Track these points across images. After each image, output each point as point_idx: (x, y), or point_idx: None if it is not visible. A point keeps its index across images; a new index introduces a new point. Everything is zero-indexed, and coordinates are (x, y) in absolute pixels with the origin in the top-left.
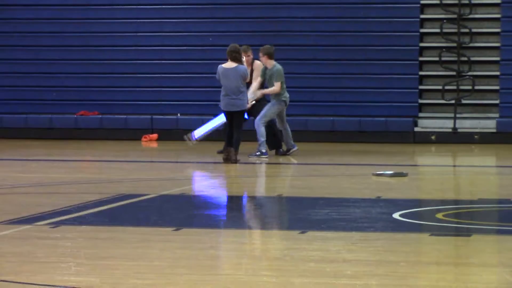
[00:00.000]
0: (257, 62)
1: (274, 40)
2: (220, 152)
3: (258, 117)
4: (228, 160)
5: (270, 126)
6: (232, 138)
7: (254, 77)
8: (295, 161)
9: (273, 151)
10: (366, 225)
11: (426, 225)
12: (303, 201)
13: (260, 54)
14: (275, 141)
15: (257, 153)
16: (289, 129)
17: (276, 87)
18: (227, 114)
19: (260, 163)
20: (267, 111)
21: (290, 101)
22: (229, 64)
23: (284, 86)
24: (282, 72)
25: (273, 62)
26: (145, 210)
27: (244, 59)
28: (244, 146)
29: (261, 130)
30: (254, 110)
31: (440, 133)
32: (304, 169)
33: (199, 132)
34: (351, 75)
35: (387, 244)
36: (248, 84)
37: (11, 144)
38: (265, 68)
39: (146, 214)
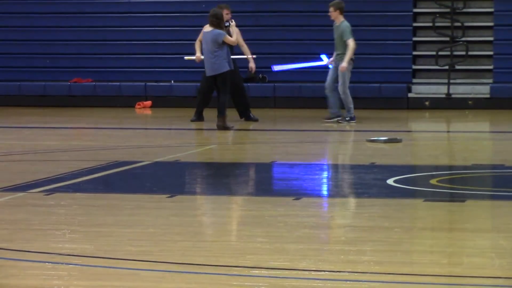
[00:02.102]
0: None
1: (267, 7)
2: (193, 121)
3: (340, 87)
4: (219, 127)
5: (239, 90)
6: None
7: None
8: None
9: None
10: (360, 191)
11: (420, 191)
12: (297, 168)
13: (332, 9)
14: (242, 104)
15: (346, 119)
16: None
17: (351, 43)
18: (211, 79)
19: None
20: (344, 76)
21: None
22: (207, 28)
23: None
24: (350, 27)
25: (341, 18)
26: (139, 177)
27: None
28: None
29: (349, 99)
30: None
31: (433, 99)
32: (298, 135)
33: (280, 67)
34: None
35: (381, 210)
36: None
37: (5, 112)
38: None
39: (140, 181)
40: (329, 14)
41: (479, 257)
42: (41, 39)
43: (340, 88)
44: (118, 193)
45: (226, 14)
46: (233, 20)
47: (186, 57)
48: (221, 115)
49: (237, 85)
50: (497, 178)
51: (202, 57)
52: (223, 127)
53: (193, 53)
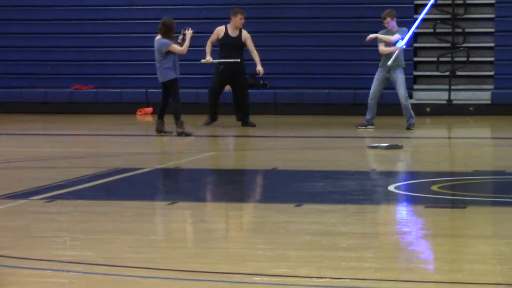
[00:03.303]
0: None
1: (268, 13)
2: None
3: (403, 93)
4: (158, 131)
5: (242, 94)
6: (163, 110)
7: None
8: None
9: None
10: (361, 197)
11: (421, 197)
12: (298, 174)
13: (389, 19)
14: (242, 109)
15: (411, 125)
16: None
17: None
18: (162, 86)
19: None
20: (403, 83)
21: (285, 74)
22: (157, 37)
23: None
24: None
25: (396, 26)
26: (140, 184)
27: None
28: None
29: (410, 105)
30: (237, 82)
31: (435, 105)
32: (299, 141)
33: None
34: (346, 47)
35: (382, 217)
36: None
37: (6, 119)
38: (388, 31)
39: (141, 188)
40: (385, 23)
41: (480, 263)
42: (42, 45)
43: (403, 95)
44: (119, 200)
45: (240, 19)
46: (190, 28)
47: (202, 60)
48: (176, 120)
49: (241, 90)
50: (498, 185)
51: (211, 60)
52: (178, 132)
53: (195, 60)
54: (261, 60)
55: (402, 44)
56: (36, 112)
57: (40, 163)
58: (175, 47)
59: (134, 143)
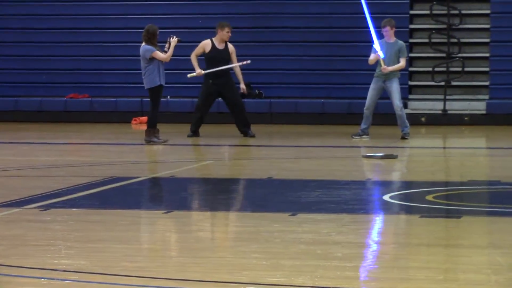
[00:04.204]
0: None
1: (265, 22)
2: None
3: (398, 104)
4: (145, 141)
5: (238, 106)
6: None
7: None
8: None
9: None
10: (356, 207)
11: (416, 207)
12: (293, 184)
13: (388, 28)
14: (241, 120)
15: (405, 135)
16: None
17: (402, 63)
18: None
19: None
20: (399, 93)
21: (280, 83)
22: (141, 45)
23: None
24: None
25: (393, 36)
26: (135, 193)
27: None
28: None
29: (405, 115)
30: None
31: (430, 115)
32: (294, 151)
33: None
34: (341, 57)
35: (377, 226)
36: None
37: (1, 127)
38: (385, 42)
39: (136, 197)
40: (383, 32)
41: (475, 273)
42: (38, 54)
43: (398, 104)
44: (114, 208)
45: (227, 32)
46: (175, 36)
47: (189, 75)
48: (147, 128)
49: (236, 102)
50: (493, 194)
51: (203, 71)
52: (147, 141)
53: (191, 69)
54: (257, 69)
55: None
56: (31, 121)
57: (35, 171)
58: (159, 54)
59: (129, 152)
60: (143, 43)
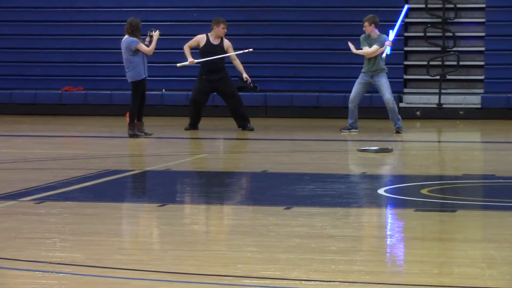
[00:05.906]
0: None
1: (259, 16)
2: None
3: (389, 97)
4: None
5: (235, 99)
6: (141, 111)
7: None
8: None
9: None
10: (351, 200)
11: (411, 200)
12: (288, 177)
13: (366, 24)
14: (239, 114)
15: (399, 129)
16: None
17: (372, 49)
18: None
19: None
20: (388, 87)
21: (275, 77)
22: (124, 37)
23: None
24: None
25: (377, 32)
26: (130, 186)
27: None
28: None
29: (396, 108)
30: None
31: (425, 109)
32: (289, 144)
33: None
34: (336, 51)
35: (372, 220)
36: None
37: None
38: (368, 36)
39: (131, 190)
40: (363, 29)
41: (470, 267)
42: (32, 47)
43: (390, 98)
44: (109, 201)
45: (222, 28)
46: (156, 30)
47: (178, 64)
48: (130, 123)
49: (232, 95)
50: (487, 188)
51: (195, 60)
52: (130, 134)
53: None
54: (251, 62)
55: (391, 38)
56: (25, 114)
57: (30, 164)
58: (143, 47)
59: (123, 145)
60: (126, 36)
